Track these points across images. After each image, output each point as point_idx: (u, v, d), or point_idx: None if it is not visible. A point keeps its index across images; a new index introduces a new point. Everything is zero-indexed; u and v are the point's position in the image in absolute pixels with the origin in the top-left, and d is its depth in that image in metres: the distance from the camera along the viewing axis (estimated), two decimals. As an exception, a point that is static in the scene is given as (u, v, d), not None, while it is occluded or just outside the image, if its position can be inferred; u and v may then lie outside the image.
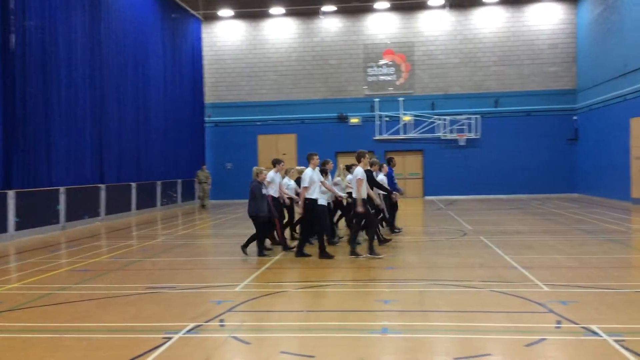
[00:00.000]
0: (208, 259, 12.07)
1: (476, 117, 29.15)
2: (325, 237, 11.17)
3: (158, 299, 7.99)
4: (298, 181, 12.70)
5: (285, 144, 30.66)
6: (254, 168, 11.57)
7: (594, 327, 6.06)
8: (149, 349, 5.69)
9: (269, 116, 30.59)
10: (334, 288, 8.49)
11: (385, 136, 29.81)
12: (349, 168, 13.24)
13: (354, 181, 11.00)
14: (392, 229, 14.88)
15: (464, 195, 29.12)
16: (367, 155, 11.45)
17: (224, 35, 31.09)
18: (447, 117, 29.27)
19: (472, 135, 29.12)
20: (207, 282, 9.18)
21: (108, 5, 20.60)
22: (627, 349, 5.37)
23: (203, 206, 25.68)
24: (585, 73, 28.08)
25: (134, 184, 21.96)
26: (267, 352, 5.68)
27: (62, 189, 17.19)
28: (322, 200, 11.31)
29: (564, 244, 12.40)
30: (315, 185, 11.00)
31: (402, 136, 29.70)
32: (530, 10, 29.34)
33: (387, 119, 29.88)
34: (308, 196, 10.92)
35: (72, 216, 17.63)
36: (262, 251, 11.35)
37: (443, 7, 29.51)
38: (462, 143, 29.24)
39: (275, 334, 6.31)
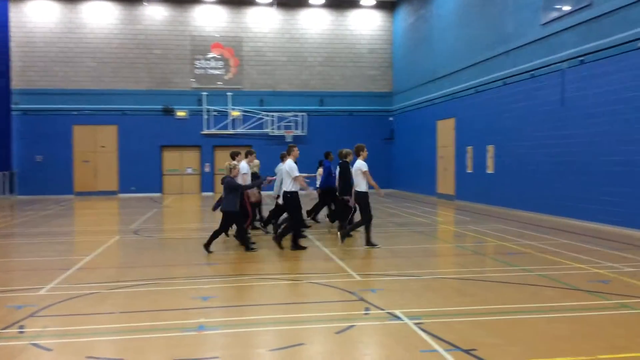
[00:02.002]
0: (9, 260, 10.89)
1: (302, 115, 30.04)
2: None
3: (-58, 308, 7.02)
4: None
5: (105, 136, 28.88)
6: (227, 163, 11.22)
7: (397, 312, 6.54)
8: None
9: (87, 105, 28.53)
10: (149, 287, 8.16)
11: (213, 131, 29.46)
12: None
13: (358, 173, 11.23)
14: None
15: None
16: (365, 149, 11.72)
17: (36, 16, 28.31)
18: (275, 114, 29.79)
19: (299, 133, 29.97)
20: (6, 286, 8.28)
21: None
22: (423, 330, 5.87)
23: None
24: (400, 77, 30.35)
25: None
26: (70, 358, 5.26)
27: None
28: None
29: (379, 236, 13.23)
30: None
31: (230, 131, 29.59)
32: (351, 15, 30.95)
33: (215, 113, 29.55)
34: (290, 189, 11.00)
35: None
36: (209, 247, 10.82)
37: (271, 4, 29.93)
38: (289, 140, 29.92)
39: (82, 338, 5.86)
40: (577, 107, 15.27)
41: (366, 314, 6.61)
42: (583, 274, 8.75)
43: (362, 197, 11.28)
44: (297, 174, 10.99)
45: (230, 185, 10.77)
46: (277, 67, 30.27)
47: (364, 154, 11.53)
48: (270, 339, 5.85)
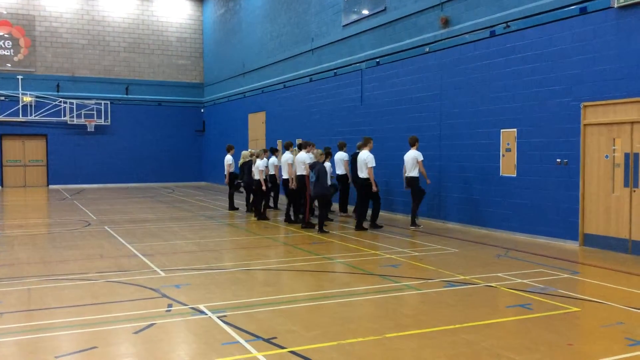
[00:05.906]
0: None
1: (106, 103, 28.25)
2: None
3: None
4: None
5: None
6: (316, 150, 12.84)
7: (201, 307, 6.44)
8: None
9: None
10: None
11: (1, 118, 26.35)
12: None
13: (412, 162, 12.61)
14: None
15: (93, 184, 27.98)
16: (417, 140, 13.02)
17: None
18: (75, 101, 27.60)
19: (102, 122, 28.14)
20: None
21: None
22: (226, 322, 5.86)
23: None
24: (211, 69, 30.02)
25: None
26: None
27: None
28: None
29: (186, 230, 13.00)
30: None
31: (21, 119, 26.74)
32: (158, 1, 29.79)
33: (2, 98, 26.45)
34: (367, 176, 12.47)
35: None
36: (322, 228, 12.45)
37: (69, -18, 27.63)
38: (90, 129, 28.00)
39: None
40: (373, 105, 16.46)
41: (168, 310, 6.40)
42: (377, 259, 9.46)
43: (415, 182, 12.83)
44: (373, 164, 12.38)
45: (320, 172, 12.32)
46: (76, 51, 28.02)
47: (418, 144, 12.93)
48: (59, 344, 5.38)
